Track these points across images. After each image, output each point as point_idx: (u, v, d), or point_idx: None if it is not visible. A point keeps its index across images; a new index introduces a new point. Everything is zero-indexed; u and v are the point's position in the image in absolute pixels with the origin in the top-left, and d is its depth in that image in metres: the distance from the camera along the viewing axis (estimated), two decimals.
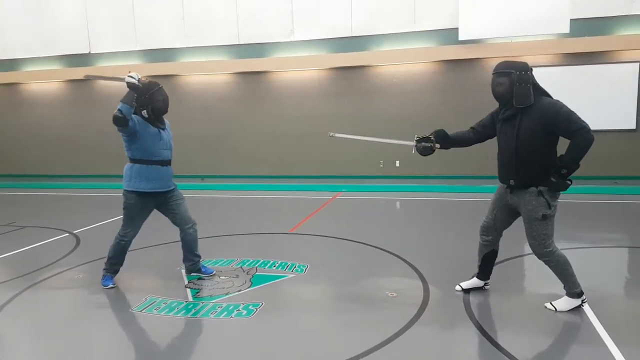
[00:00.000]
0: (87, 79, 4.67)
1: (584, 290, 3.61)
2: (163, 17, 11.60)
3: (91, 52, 12.12)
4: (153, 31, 11.70)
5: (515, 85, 3.40)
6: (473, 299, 3.89)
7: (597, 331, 3.26)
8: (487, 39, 9.74)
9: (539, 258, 3.57)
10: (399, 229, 6.59)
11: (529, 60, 10.34)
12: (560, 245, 3.77)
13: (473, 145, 3.94)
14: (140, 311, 3.81)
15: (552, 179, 3.33)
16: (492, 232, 3.81)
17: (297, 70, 11.16)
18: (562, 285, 3.61)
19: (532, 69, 3.49)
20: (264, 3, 10.99)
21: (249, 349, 3.20)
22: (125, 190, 4.21)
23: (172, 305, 3.91)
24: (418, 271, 4.58)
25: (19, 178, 12.94)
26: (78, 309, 3.98)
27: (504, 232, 3.88)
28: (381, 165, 10.88)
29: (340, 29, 10.67)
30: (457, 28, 9.63)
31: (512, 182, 3.51)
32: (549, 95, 3.47)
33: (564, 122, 3.25)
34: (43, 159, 12.94)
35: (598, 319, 3.43)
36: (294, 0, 10.83)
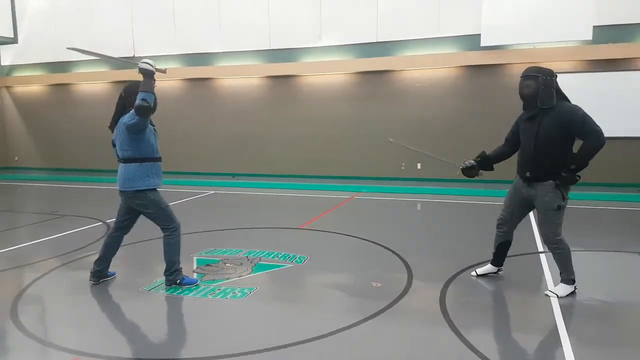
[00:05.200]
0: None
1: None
2: (201, 23, 12.30)
3: (135, 55, 12.98)
4: (191, 36, 12.42)
5: (540, 88, 3.82)
6: (451, 292, 4.16)
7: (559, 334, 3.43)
8: (509, 45, 9.82)
9: (549, 245, 3.98)
10: (407, 228, 6.88)
11: (552, 66, 10.30)
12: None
13: None
14: (149, 290, 4.31)
15: (563, 174, 3.77)
16: (508, 224, 4.25)
17: (324, 74, 11.58)
18: (560, 273, 4.02)
19: (556, 76, 3.92)
20: (294, 10, 11.47)
21: (237, 324, 3.62)
22: (143, 190, 4.13)
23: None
24: (409, 267, 4.87)
25: (69, 172, 14.02)
26: (96, 287, 4.49)
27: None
28: (403, 168, 11.12)
29: (366, 34, 11.00)
30: (480, 34, 9.77)
31: (528, 174, 3.93)
32: (569, 101, 3.91)
33: (579, 124, 3.71)
34: (91, 155, 13.90)
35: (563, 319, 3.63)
36: (322, 8, 11.25)
